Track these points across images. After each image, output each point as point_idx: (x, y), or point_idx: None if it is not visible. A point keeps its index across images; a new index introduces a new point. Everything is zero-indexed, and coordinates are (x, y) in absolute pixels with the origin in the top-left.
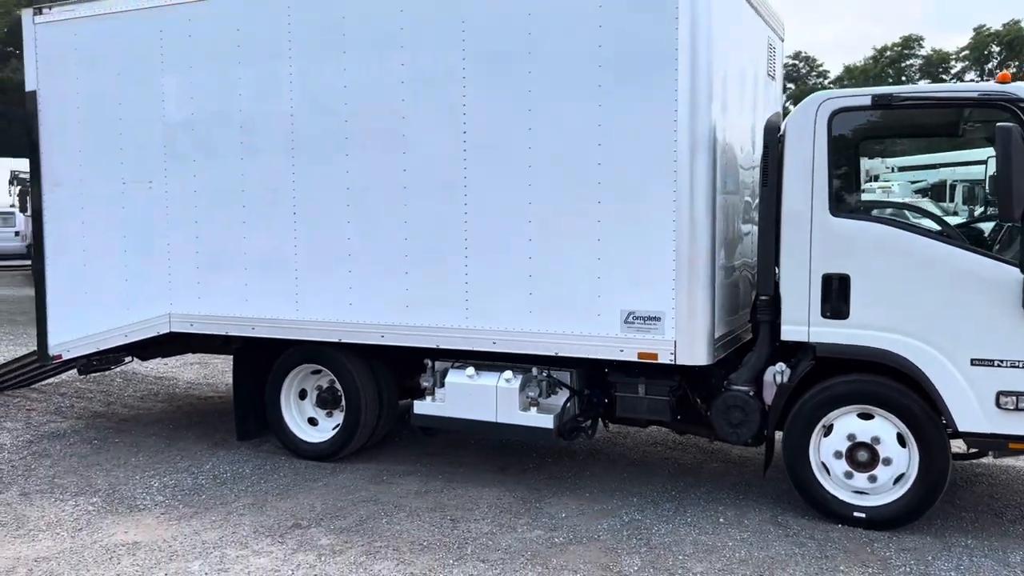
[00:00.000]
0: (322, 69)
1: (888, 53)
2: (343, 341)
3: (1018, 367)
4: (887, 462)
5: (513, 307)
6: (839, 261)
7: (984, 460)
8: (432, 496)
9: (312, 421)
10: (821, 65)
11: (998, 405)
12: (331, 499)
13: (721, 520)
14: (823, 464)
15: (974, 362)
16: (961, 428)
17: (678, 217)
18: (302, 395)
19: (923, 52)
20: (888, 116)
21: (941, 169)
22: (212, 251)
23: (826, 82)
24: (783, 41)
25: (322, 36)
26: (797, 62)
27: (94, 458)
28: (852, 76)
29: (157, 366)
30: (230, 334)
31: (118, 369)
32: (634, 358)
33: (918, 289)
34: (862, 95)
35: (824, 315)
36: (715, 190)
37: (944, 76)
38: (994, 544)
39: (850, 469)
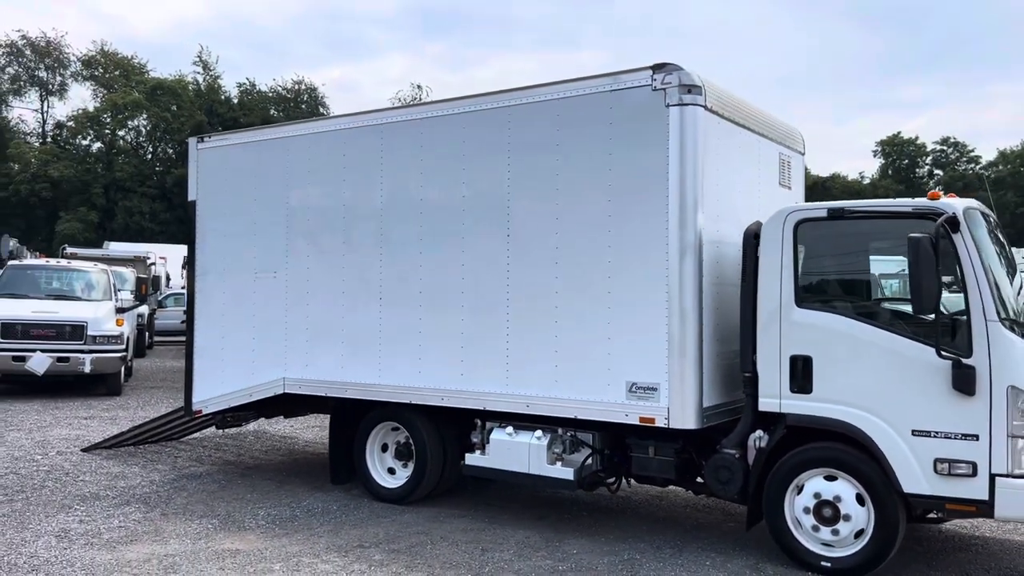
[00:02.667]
0: (406, 184)
1: None
2: (413, 402)
3: (951, 438)
4: (847, 518)
5: (542, 376)
6: (803, 345)
7: (973, 528)
8: (473, 532)
9: (391, 471)
10: (972, 151)
11: (935, 470)
12: (393, 530)
13: (707, 563)
14: (796, 519)
15: (915, 432)
16: (905, 490)
17: (670, 307)
18: (384, 448)
19: None
20: (849, 226)
21: None
22: (317, 328)
23: (977, 167)
24: (803, 154)
25: (406, 160)
26: (946, 148)
27: (220, 493)
28: (1007, 161)
29: (283, 427)
30: (329, 395)
31: (251, 428)
32: (636, 421)
33: (866, 368)
34: (820, 208)
35: (792, 390)
36: (702, 286)
37: None
38: None
39: (817, 523)
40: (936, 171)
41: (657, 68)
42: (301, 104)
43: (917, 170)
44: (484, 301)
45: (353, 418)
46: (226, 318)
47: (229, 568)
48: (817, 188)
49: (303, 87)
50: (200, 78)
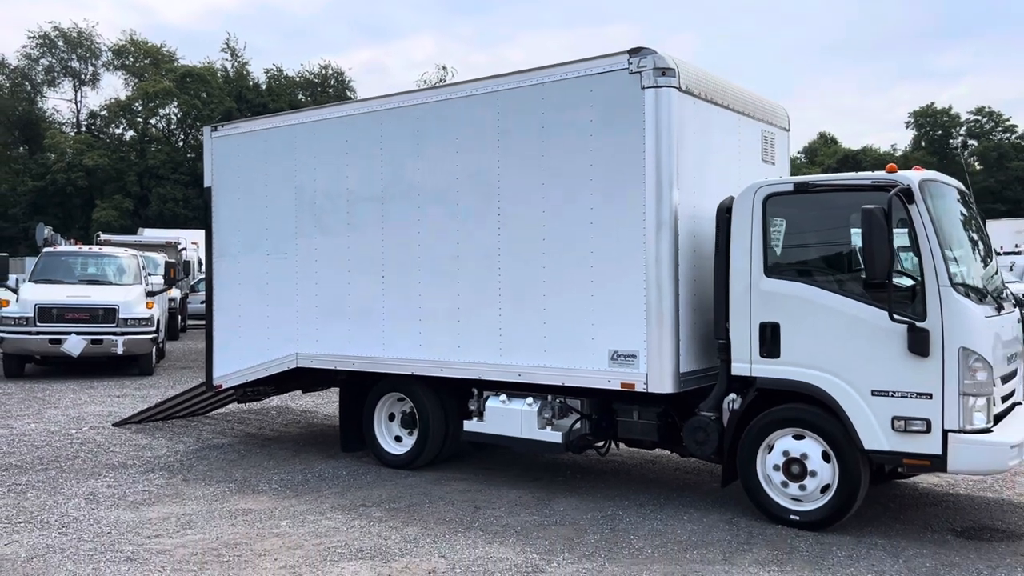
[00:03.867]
0: (403, 166)
1: None
2: (415, 374)
3: (907, 397)
4: (814, 474)
5: (532, 347)
6: (771, 312)
7: (950, 484)
8: (470, 493)
9: (398, 439)
10: (1008, 119)
11: (893, 428)
12: (396, 491)
13: (684, 517)
14: (767, 475)
15: (874, 392)
16: (866, 447)
17: (647, 279)
18: (391, 417)
19: None
20: (814, 199)
21: None
22: (326, 305)
23: (1013, 137)
24: (788, 131)
25: (403, 144)
26: (980, 118)
27: (239, 461)
28: None
29: (305, 403)
30: (337, 368)
31: (273, 403)
32: (618, 387)
33: (829, 334)
34: (787, 183)
35: (762, 355)
36: (678, 259)
37: None
38: (898, 543)
39: (786, 479)
40: (971, 141)
41: (633, 52)
42: (328, 89)
43: (951, 141)
44: (478, 277)
45: (361, 390)
46: (242, 298)
47: (240, 524)
48: (848, 161)
49: (330, 71)
50: (228, 65)
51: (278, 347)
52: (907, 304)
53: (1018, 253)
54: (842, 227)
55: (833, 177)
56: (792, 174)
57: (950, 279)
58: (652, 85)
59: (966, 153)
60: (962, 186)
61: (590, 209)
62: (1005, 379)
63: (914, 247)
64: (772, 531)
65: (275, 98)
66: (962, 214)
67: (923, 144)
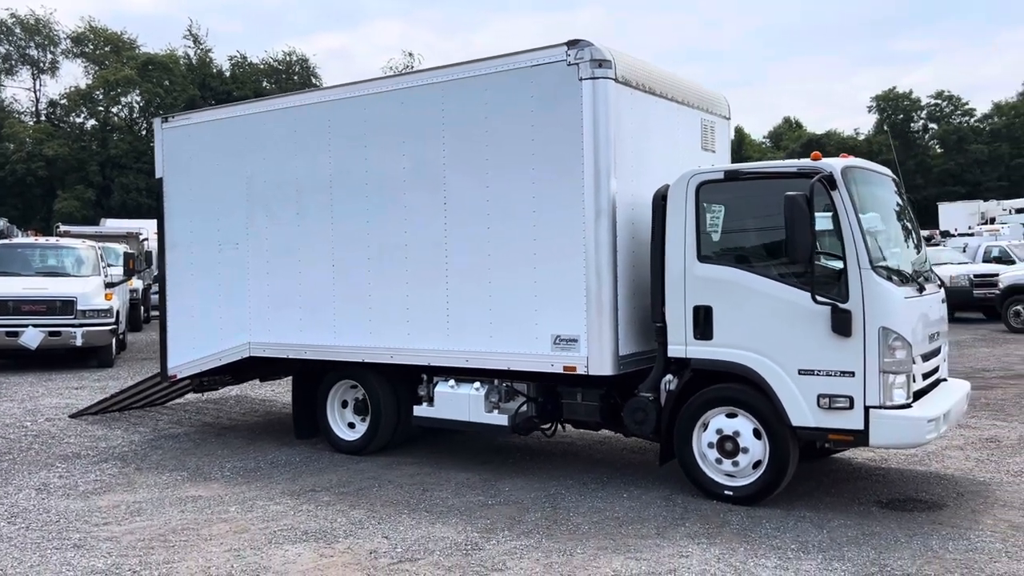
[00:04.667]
0: (351, 157)
1: None
2: (366, 361)
3: (832, 375)
4: (746, 451)
5: (478, 333)
6: (704, 296)
7: (879, 460)
8: (420, 477)
9: (351, 425)
10: (967, 103)
11: (819, 405)
12: (346, 476)
13: (625, 495)
14: (702, 453)
15: (801, 372)
16: (794, 423)
17: (587, 265)
18: (344, 404)
19: None
20: (743, 186)
21: None
22: (278, 295)
23: (972, 120)
24: (728, 119)
25: (351, 134)
26: (940, 102)
27: (193, 450)
28: (1002, 112)
29: (264, 391)
30: (290, 357)
31: (232, 392)
32: (560, 370)
33: (758, 316)
34: (718, 171)
35: (696, 337)
36: (616, 246)
37: None
38: (825, 515)
39: (720, 456)
40: (931, 125)
41: (571, 44)
42: (293, 76)
43: (912, 125)
44: (426, 266)
45: (314, 378)
46: (195, 288)
47: (189, 511)
48: (812, 145)
49: (295, 58)
50: (191, 52)
51: (231, 336)
52: (831, 287)
53: (971, 235)
54: (769, 213)
55: (761, 165)
56: (750, 160)
57: (871, 262)
58: (589, 76)
59: (927, 136)
60: (890, 173)
61: (532, 198)
62: (927, 357)
63: (837, 232)
64: (707, 506)
65: (239, 85)
66: (887, 200)
67: (885, 128)
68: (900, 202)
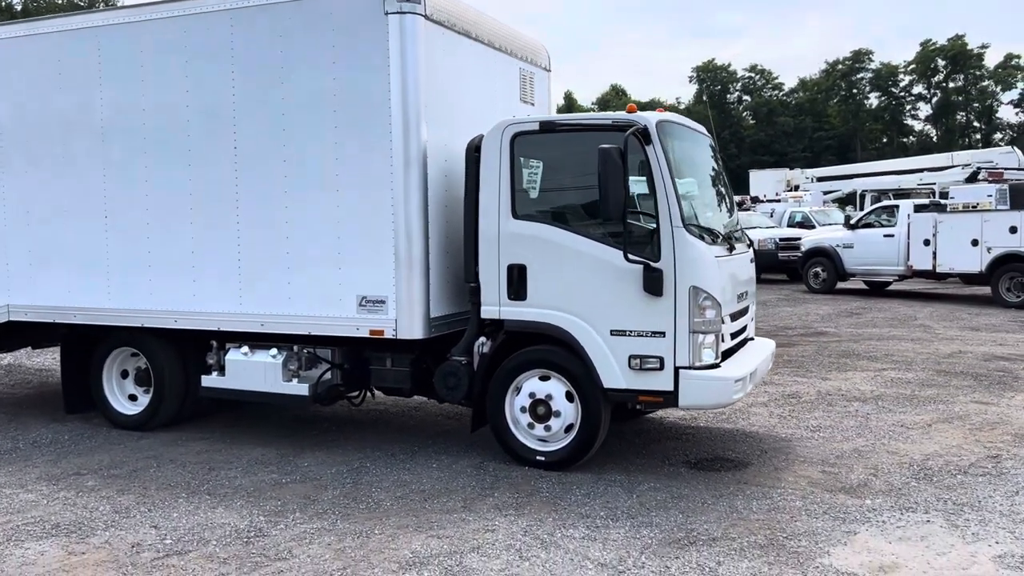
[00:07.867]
0: (126, 94)
1: (839, 67)
2: (146, 326)
3: (643, 336)
4: (558, 414)
5: (275, 294)
6: (518, 254)
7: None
8: (208, 454)
9: (132, 397)
10: (776, 78)
11: (630, 366)
12: (121, 456)
13: (434, 465)
14: (515, 418)
15: (613, 332)
16: (606, 385)
17: (395, 220)
18: (124, 375)
19: (873, 66)
20: (559, 138)
21: (855, 180)
22: (41, 250)
23: (780, 94)
24: (549, 71)
25: (125, 68)
26: (754, 75)
27: None
28: (806, 88)
29: (43, 359)
30: (56, 321)
31: (5, 360)
32: (366, 335)
33: (570, 274)
34: (532, 122)
35: (510, 297)
36: (427, 198)
37: (893, 88)
38: (636, 478)
39: (532, 421)
40: (745, 96)
41: None
42: (98, 4)
43: (728, 96)
44: (214, 220)
45: (88, 345)
46: None
47: None
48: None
49: None
50: None
51: None
52: (644, 245)
53: (778, 201)
54: (585, 168)
55: (577, 116)
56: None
57: (683, 220)
58: (396, 11)
59: (741, 108)
60: (705, 131)
61: (335, 144)
62: (735, 317)
63: (650, 188)
64: (518, 473)
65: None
66: (702, 159)
67: (704, 98)
68: (715, 165)
